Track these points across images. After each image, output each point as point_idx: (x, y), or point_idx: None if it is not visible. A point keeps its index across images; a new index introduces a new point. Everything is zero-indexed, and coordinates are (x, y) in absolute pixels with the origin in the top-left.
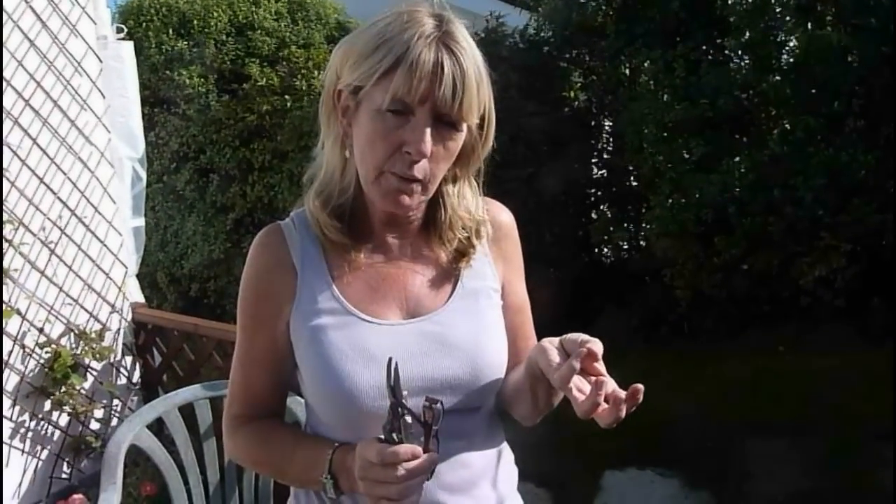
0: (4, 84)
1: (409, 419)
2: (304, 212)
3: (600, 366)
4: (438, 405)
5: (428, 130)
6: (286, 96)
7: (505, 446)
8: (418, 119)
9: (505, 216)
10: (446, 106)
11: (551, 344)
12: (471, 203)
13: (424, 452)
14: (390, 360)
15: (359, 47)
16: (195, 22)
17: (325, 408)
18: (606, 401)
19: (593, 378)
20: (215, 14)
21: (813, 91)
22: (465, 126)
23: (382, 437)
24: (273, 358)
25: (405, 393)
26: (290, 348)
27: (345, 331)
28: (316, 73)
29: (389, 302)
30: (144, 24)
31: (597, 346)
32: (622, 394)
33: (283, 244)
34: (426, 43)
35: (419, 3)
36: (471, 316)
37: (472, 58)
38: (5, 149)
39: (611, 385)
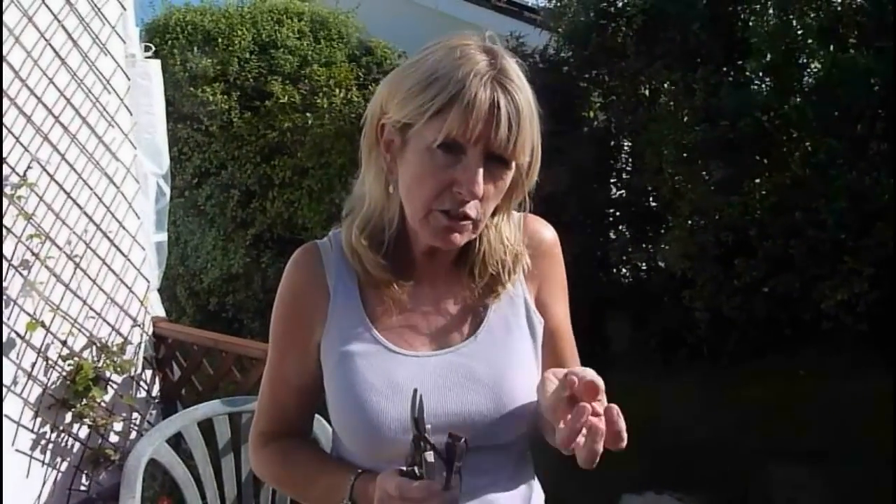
0: (35, 101)
1: (431, 454)
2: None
3: (600, 403)
4: (462, 442)
5: (480, 170)
6: (307, 114)
7: (535, 485)
8: (470, 158)
9: (547, 233)
10: (501, 146)
11: (553, 375)
12: (508, 236)
13: (445, 489)
14: (415, 391)
15: (408, 83)
16: (219, 40)
17: (348, 435)
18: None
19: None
20: (239, 32)
21: (835, 113)
22: (514, 164)
23: (404, 468)
24: (302, 377)
25: (429, 426)
26: (319, 368)
27: (371, 360)
28: (337, 91)
29: (418, 332)
30: (170, 42)
31: (595, 379)
32: (601, 425)
33: (319, 264)
34: (481, 82)
35: (467, 36)
36: (498, 349)
37: (526, 96)
38: (34, 164)
39: (598, 412)
